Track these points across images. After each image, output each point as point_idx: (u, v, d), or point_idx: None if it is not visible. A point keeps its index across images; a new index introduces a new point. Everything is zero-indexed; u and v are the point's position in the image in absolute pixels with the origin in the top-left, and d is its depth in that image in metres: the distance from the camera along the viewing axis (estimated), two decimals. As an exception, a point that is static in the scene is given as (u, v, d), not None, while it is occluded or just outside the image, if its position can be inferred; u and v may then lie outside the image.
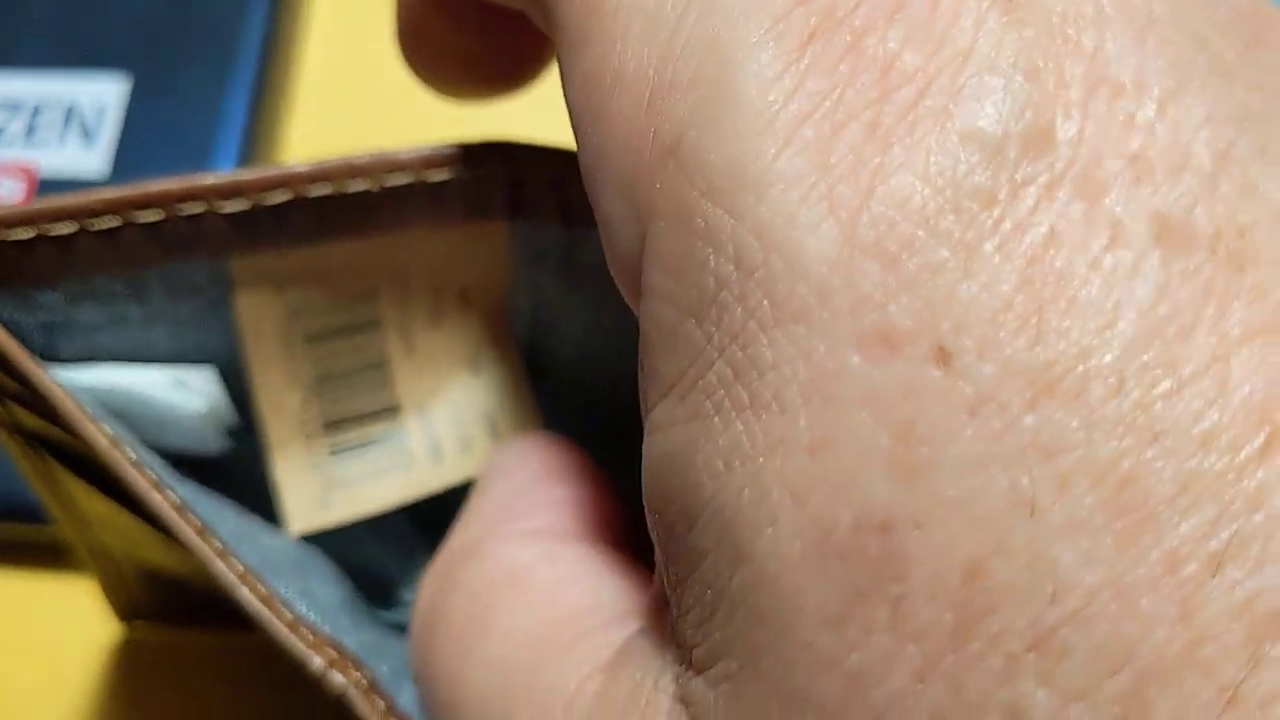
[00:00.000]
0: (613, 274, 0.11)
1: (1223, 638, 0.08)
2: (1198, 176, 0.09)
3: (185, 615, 0.20)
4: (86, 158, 0.23)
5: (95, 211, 0.13)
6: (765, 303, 0.09)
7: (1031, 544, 0.08)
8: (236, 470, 0.16)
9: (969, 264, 0.08)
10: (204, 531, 0.13)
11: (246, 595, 0.13)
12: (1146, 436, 0.08)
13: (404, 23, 0.14)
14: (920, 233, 0.09)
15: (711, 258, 0.09)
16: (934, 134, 0.09)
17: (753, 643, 0.09)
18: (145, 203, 0.13)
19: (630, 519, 0.15)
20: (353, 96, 0.26)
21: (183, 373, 0.15)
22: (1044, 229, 0.08)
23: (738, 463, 0.09)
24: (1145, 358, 0.08)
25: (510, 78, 0.14)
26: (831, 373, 0.09)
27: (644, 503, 0.10)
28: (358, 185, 0.14)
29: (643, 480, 0.10)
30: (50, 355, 0.14)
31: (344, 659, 0.13)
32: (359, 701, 0.13)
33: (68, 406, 0.13)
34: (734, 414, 0.09)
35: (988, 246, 0.08)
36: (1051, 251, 0.08)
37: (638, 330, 0.10)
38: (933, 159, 0.09)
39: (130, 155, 0.23)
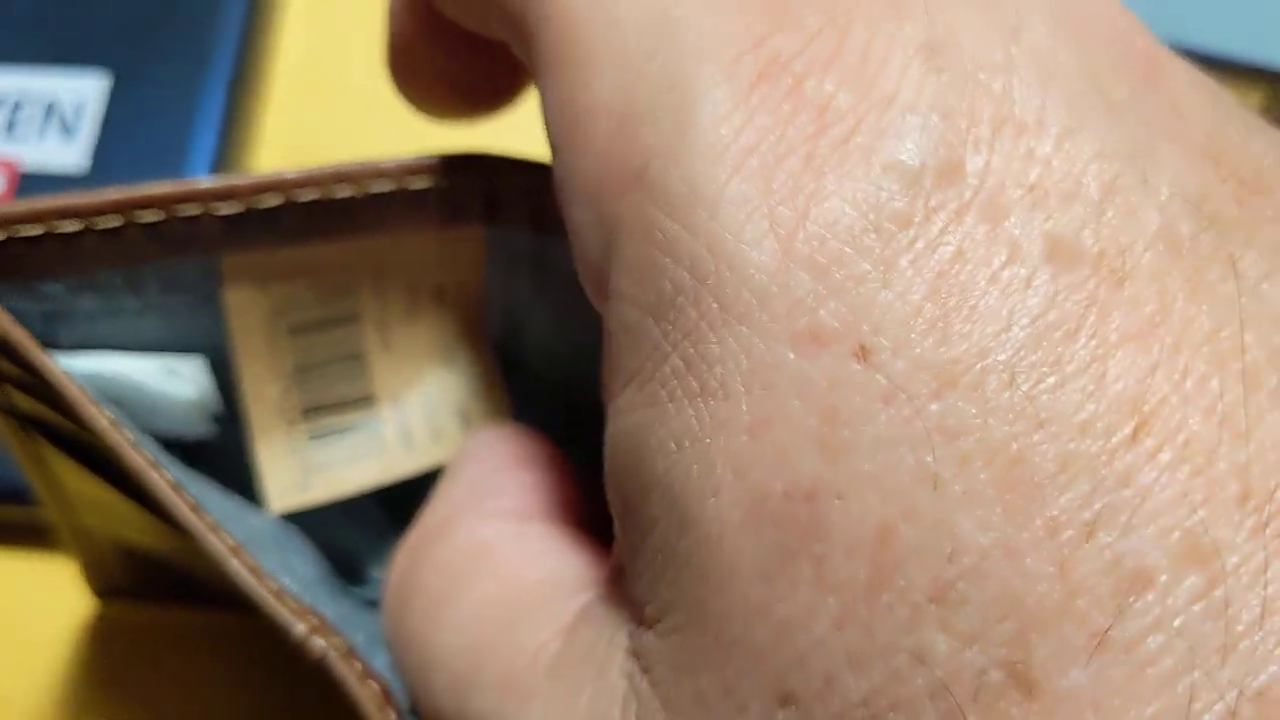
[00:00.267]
0: (580, 277, 0.12)
1: (1094, 591, 0.09)
2: (1086, 204, 0.10)
3: (161, 594, 0.21)
4: (66, 153, 0.24)
5: (100, 211, 0.14)
6: (714, 305, 0.10)
7: (934, 511, 0.09)
8: (220, 455, 0.17)
9: (887, 276, 0.10)
10: (196, 508, 0.14)
11: (236, 566, 0.14)
12: (1034, 423, 0.09)
13: (394, 49, 0.15)
14: (847, 249, 0.10)
15: (670, 266, 0.10)
16: (861, 165, 0.10)
17: (696, 598, 0.10)
18: (146, 204, 0.14)
19: (589, 503, 0.16)
20: (328, 93, 0.27)
21: (174, 362, 0.16)
22: (952, 248, 0.10)
23: (687, 442, 0.10)
24: (1034, 357, 0.09)
25: (491, 101, 0.16)
26: (769, 365, 0.10)
27: (605, 480, 0.12)
28: (343, 191, 0.15)
29: (605, 459, 0.12)
30: (50, 342, 0.15)
31: (324, 626, 0.14)
32: (338, 664, 0.14)
33: (72, 391, 0.14)
34: (685, 401, 0.10)
35: (903, 261, 0.10)
36: (957, 266, 0.10)
37: (598, 335, 0.12)
38: (859, 186, 0.10)
39: (110, 150, 0.24)
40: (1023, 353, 0.10)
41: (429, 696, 0.14)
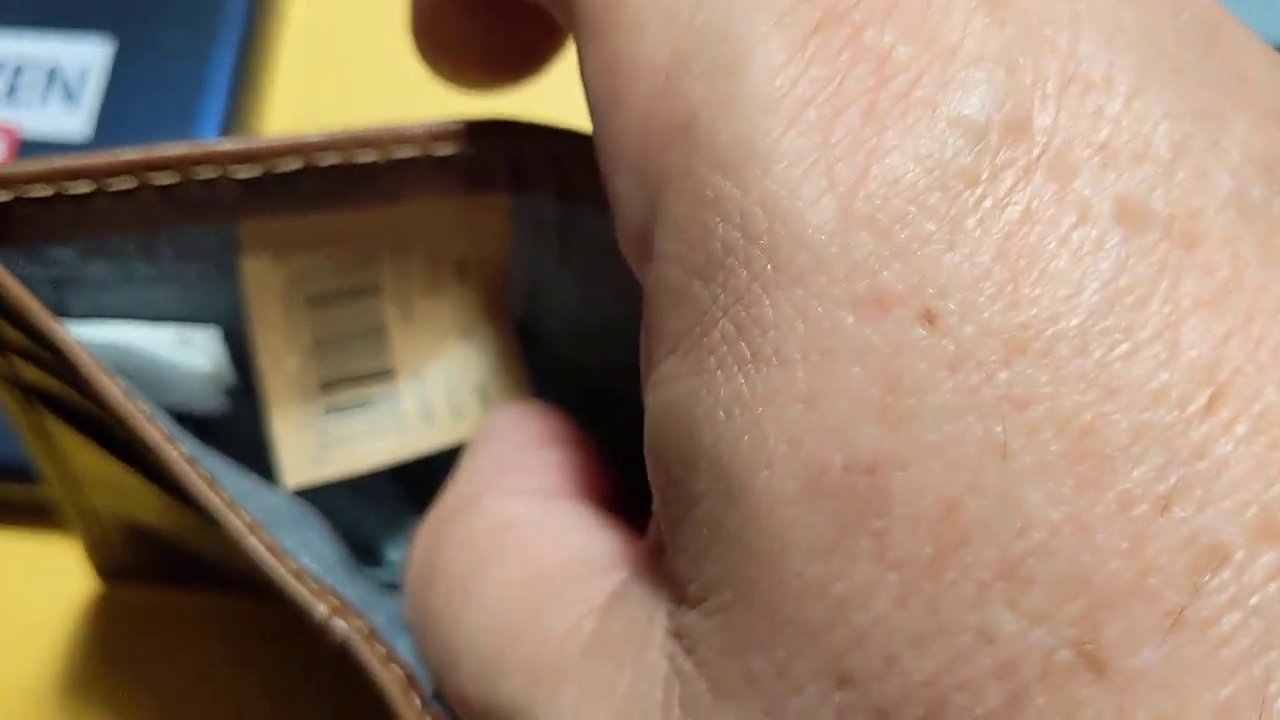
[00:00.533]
0: (621, 244, 0.12)
1: (1167, 569, 0.09)
2: (1157, 165, 0.10)
3: (167, 576, 0.21)
4: (69, 119, 0.23)
5: (114, 171, 0.13)
6: (769, 267, 0.10)
7: (1002, 484, 0.09)
8: (232, 430, 0.17)
9: (953, 237, 0.09)
10: (213, 484, 0.14)
11: (254, 544, 0.14)
12: (1106, 391, 0.09)
13: (419, 14, 0.15)
14: (910, 208, 0.09)
15: (720, 225, 0.10)
16: (924, 120, 0.10)
17: (745, 576, 0.10)
18: (162, 165, 0.14)
19: (615, 482, 0.16)
20: (337, 60, 0.26)
21: (187, 332, 0.15)
22: (1020, 207, 0.09)
23: (738, 412, 0.10)
24: (1106, 323, 0.09)
25: (520, 69, 0.15)
26: (828, 331, 0.09)
27: (645, 451, 0.11)
28: (366, 156, 0.14)
29: (645, 430, 0.11)
30: (60, 311, 0.15)
31: (345, 608, 0.14)
32: (361, 648, 0.13)
33: (84, 360, 0.13)
34: (736, 368, 0.10)
35: (970, 221, 0.09)
36: (1026, 227, 0.09)
37: (624, 309, 0.11)
38: (922, 142, 0.10)
39: (113, 118, 0.23)
40: (1094, 318, 0.09)
41: (455, 681, 0.13)
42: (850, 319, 0.09)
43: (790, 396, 0.10)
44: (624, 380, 0.11)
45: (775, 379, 0.10)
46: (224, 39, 0.24)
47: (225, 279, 0.15)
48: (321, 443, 0.16)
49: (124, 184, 0.14)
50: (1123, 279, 0.09)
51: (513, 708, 0.12)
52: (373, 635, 0.14)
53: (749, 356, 0.10)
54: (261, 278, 0.15)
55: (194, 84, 0.23)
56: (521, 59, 0.15)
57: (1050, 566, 0.09)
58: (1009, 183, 0.09)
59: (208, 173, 0.14)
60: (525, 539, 0.14)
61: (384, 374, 0.16)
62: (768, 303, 0.10)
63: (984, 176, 0.09)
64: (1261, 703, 0.08)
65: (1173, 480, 0.09)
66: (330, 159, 0.14)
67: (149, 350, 0.15)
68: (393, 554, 0.19)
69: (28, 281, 0.14)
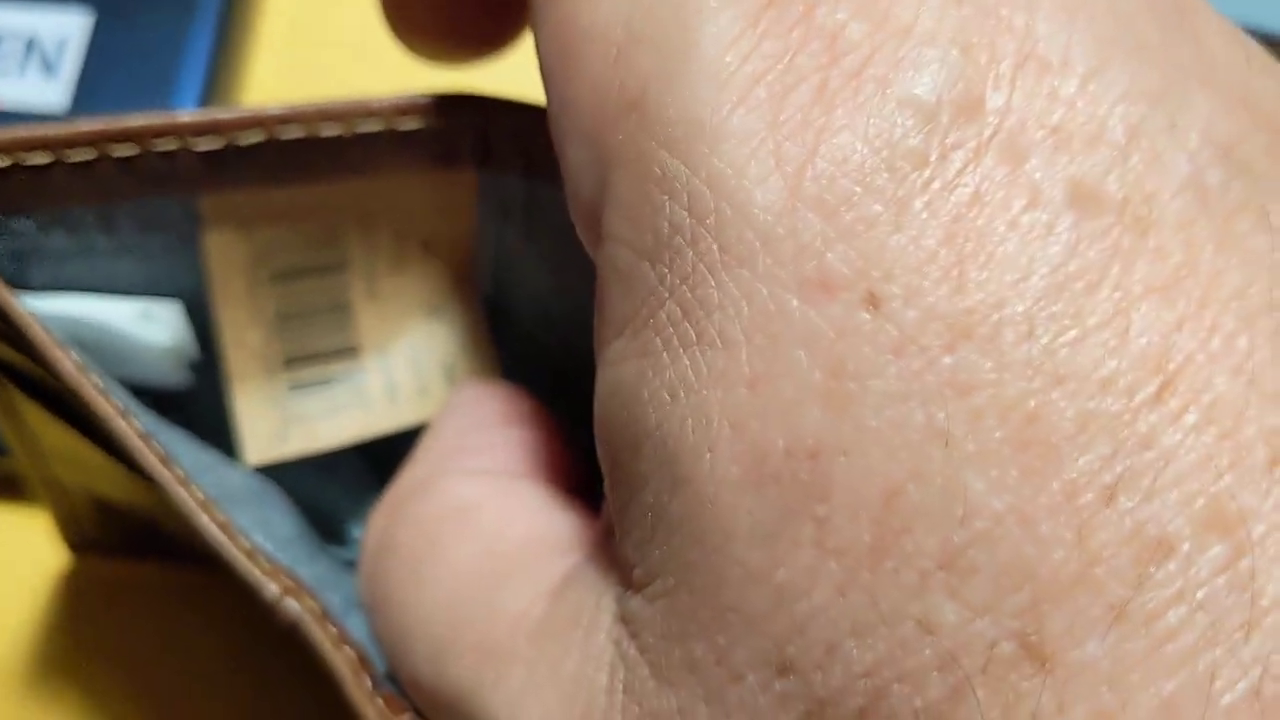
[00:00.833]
0: (574, 220, 0.11)
1: (1112, 560, 0.08)
2: (1111, 148, 0.10)
3: (135, 548, 0.21)
4: (47, 90, 0.23)
5: (72, 143, 0.13)
6: (715, 247, 0.10)
7: (944, 471, 0.09)
8: (195, 405, 0.16)
9: (900, 219, 0.09)
10: (166, 460, 0.14)
11: (205, 522, 0.13)
12: (1052, 379, 0.09)
13: None
14: (857, 188, 0.09)
15: (667, 204, 0.10)
16: (875, 99, 0.09)
17: (688, 561, 0.10)
18: (121, 136, 0.13)
19: (577, 464, 0.15)
20: (317, 33, 0.26)
21: (150, 305, 0.15)
22: (969, 190, 0.09)
23: (682, 394, 0.10)
24: (1054, 308, 0.09)
25: (488, 42, 0.15)
26: (773, 313, 0.09)
27: (594, 433, 0.11)
28: (330, 129, 0.14)
29: (594, 412, 0.11)
30: (19, 283, 0.14)
31: (298, 588, 0.14)
32: (312, 628, 0.13)
33: (36, 332, 0.13)
34: (681, 350, 0.10)
35: (917, 203, 0.09)
36: (974, 210, 0.09)
37: (590, 288, 0.11)
38: (872, 121, 0.09)
39: (92, 89, 0.23)
40: (1042, 304, 0.09)
41: (407, 663, 0.13)
42: (795, 302, 0.09)
43: (734, 380, 0.09)
44: (587, 361, 0.11)
45: (719, 362, 0.09)
46: (203, 11, 0.24)
47: (188, 253, 0.15)
48: (284, 419, 0.16)
49: (83, 155, 0.14)
50: (1073, 264, 0.09)
51: (461, 689, 0.12)
52: (325, 616, 0.14)
53: (694, 339, 0.10)
54: (224, 252, 0.15)
55: (173, 56, 0.23)
56: (489, 32, 0.15)
57: (993, 556, 0.09)
58: (958, 165, 0.09)
59: (168, 145, 0.14)
60: (482, 520, 0.14)
61: (349, 351, 0.16)
62: (713, 284, 0.10)
63: (933, 158, 0.09)
64: (1206, 700, 0.08)
65: (1119, 470, 0.09)
66: (293, 132, 0.14)
67: (110, 323, 0.15)
68: (357, 532, 0.19)
69: (-15, 252, 0.14)
